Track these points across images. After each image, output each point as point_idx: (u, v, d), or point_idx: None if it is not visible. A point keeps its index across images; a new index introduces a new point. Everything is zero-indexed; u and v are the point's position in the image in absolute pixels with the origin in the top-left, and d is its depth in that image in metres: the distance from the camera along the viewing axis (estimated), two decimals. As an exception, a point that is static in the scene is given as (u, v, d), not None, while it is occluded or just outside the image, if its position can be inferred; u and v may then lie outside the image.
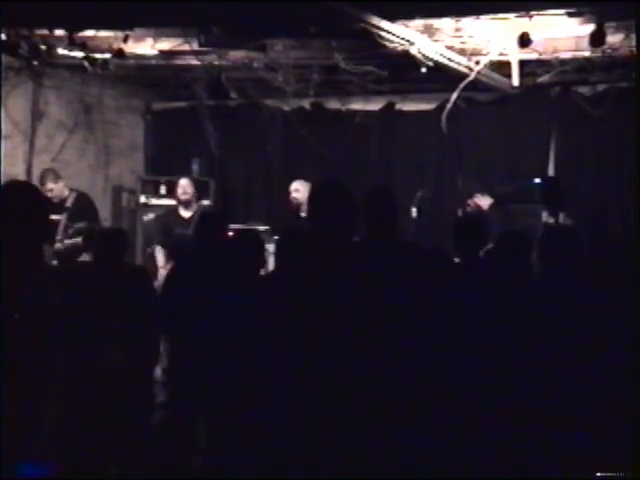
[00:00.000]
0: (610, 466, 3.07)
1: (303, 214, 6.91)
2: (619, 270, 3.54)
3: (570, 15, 5.76)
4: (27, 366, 2.40)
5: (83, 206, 6.84)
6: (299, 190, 7.09)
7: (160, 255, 7.04)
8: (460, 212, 8.04)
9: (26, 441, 2.38)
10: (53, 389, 2.47)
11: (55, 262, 6.39)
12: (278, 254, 4.60)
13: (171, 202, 7.72)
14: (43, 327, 2.44)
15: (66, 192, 6.85)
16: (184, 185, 7.27)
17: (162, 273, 6.60)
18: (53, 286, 2.61)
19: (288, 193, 7.32)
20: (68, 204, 6.76)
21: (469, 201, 7.24)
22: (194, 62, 7.15)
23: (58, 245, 6.52)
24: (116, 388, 4.31)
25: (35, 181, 7.66)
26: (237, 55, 6.98)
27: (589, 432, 3.11)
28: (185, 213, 7.21)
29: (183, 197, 7.22)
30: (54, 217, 6.65)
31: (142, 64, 7.32)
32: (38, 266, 2.63)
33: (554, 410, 3.19)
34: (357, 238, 4.15)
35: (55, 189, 6.73)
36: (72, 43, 6.53)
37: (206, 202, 8.32)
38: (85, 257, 6.14)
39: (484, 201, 7.16)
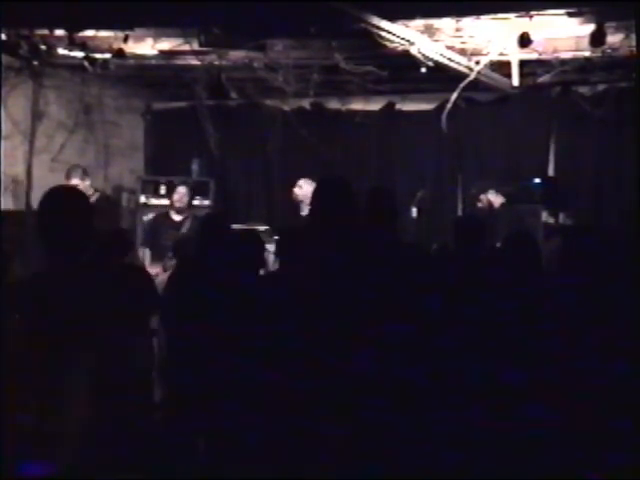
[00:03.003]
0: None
1: (303, 212, 6.91)
2: (620, 269, 3.53)
3: (570, 15, 5.76)
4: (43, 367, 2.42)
5: (104, 208, 6.84)
6: (302, 187, 7.04)
7: (147, 256, 7.07)
8: (462, 209, 8.08)
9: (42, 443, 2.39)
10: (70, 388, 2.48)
11: None
12: (278, 254, 4.60)
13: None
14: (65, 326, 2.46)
15: (90, 191, 6.84)
16: (182, 193, 7.35)
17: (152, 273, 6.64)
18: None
19: (291, 189, 7.27)
20: None
21: (482, 196, 7.19)
22: (194, 62, 7.16)
23: None
24: (116, 387, 4.30)
25: (36, 181, 7.69)
26: (237, 55, 6.98)
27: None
28: (176, 217, 7.28)
29: (178, 204, 7.30)
30: None
31: (142, 64, 7.32)
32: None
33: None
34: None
35: (80, 186, 6.71)
36: (72, 43, 6.53)
37: (206, 202, 8.34)
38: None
39: (496, 199, 7.14)
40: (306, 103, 8.53)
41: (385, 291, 2.99)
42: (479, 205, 7.19)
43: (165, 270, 6.16)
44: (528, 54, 6.50)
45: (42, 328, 2.42)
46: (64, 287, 2.51)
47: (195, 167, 8.76)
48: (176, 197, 7.30)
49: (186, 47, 6.71)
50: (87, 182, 6.85)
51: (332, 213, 3.02)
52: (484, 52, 6.52)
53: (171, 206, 7.37)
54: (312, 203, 3.21)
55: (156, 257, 6.90)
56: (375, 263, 3.14)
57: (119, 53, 6.71)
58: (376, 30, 5.87)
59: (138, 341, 4.58)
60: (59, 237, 2.57)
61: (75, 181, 6.72)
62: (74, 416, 2.44)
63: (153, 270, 6.51)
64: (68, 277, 2.55)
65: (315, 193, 3.20)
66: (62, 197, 2.71)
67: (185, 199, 7.34)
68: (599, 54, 6.36)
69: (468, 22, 6.09)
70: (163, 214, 7.46)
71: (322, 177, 3.36)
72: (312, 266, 3.07)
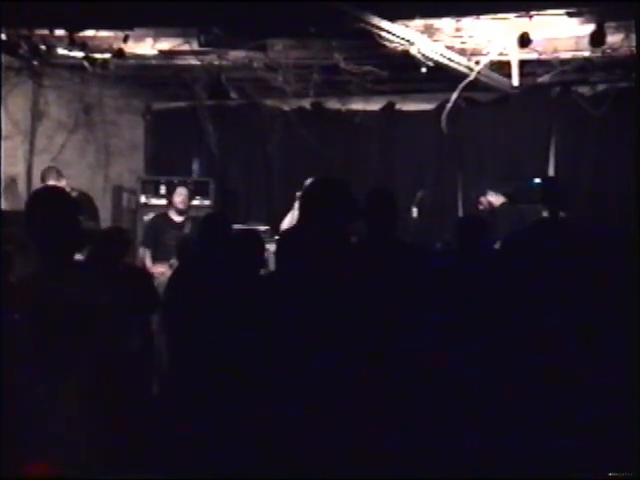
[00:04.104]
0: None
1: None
2: (619, 270, 3.53)
3: (570, 15, 5.76)
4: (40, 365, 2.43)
5: (83, 206, 6.85)
6: None
7: (147, 256, 7.11)
8: (463, 209, 8.09)
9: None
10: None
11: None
12: (277, 254, 4.60)
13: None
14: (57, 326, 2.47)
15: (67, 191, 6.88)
16: (184, 195, 7.38)
17: (154, 272, 6.67)
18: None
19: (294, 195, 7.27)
20: None
21: (482, 198, 7.23)
22: (194, 62, 7.16)
23: None
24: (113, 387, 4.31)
25: (36, 181, 7.69)
26: (237, 55, 6.98)
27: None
28: (177, 218, 7.30)
29: (180, 206, 7.31)
30: None
31: (142, 64, 7.32)
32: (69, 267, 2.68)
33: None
34: (356, 240, 4.17)
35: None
36: (72, 43, 6.53)
37: (206, 202, 8.36)
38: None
39: (496, 199, 7.16)
40: (306, 103, 8.54)
41: (385, 293, 2.99)
42: (480, 207, 7.23)
43: (172, 269, 6.20)
44: (528, 54, 6.50)
45: (41, 328, 2.42)
46: (63, 287, 2.52)
47: (195, 167, 8.78)
48: (178, 199, 7.32)
49: (186, 47, 6.72)
50: (63, 182, 6.83)
51: (330, 214, 3.01)
52: (484, 52, 6.52)
53: (171, 207, 7.37)
54: (308, 204, 3.17)
55: (159, 257, 6.93)
56: (375, 265, 3.14)
57: (119, 53, 6.71)
58: (376, 30, 5.87)
59: (137, 340, 4.58)
60: (47, 237, 2.59)
61: (51, 183, 6.73)
62: (71, 416, 2.45)
63: (158, 269, 6.63)
64: (67, 277, 2.56)
65: (312, 194, 3.17)
66: (45, 198, 2.73)
67: (187, 201, 7.38)
68: (599, 54, 6.37)
69: (468, 22, 6.09)
70: (162, 214, 7.47)
71: (318, 178, 3.31)
72: (311, 268, 3.06)
